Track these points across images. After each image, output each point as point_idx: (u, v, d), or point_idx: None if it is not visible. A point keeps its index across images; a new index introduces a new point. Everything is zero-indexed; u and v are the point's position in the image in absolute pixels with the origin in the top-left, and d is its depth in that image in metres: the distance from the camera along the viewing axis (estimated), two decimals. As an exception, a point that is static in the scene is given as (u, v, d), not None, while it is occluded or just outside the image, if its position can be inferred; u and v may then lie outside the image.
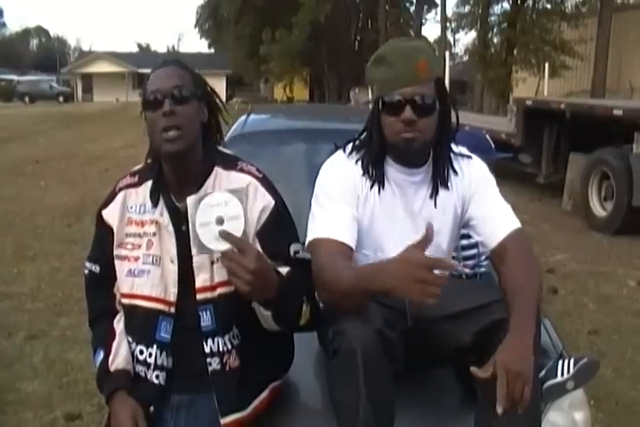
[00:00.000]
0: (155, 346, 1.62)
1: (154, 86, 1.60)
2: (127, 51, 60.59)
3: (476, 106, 25.86)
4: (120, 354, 1.69)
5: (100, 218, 1.73)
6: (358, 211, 1.79)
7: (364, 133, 1.86)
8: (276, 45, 31.67)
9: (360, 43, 38.00)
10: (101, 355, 1.71)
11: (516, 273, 1.67)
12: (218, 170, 1.65)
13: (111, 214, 1.70)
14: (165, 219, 1.63)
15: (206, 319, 1.60)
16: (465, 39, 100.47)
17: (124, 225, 1.67)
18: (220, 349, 1.61)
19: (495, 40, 23.91)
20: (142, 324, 1.64)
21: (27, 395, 3.28)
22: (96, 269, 1.74)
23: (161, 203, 1.64)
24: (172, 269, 1.62)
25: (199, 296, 1.60)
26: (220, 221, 1.39)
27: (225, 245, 1.38)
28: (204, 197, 1.42)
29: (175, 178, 1.64)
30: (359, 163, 1.82)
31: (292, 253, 1.65)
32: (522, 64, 21.28)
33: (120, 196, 1.70)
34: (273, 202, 1.63)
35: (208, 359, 1.60)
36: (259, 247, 1.55)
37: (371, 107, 1.83)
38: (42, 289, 4.96)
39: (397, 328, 1.59)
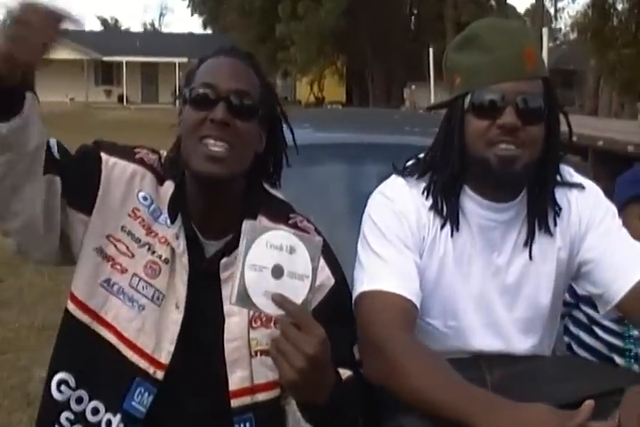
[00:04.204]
0: (119, 415, 1.63)
1: (208, 78, 1.65)
2: (86, 29, 61.53)
3: (587, 105, 25.81)
4: None
5: (95, 154, 1.70)
6: (422, 259, 1.81)
7: (434, 149, 1.86)
8: (298, 24, 32.22)
9: (417, 19, 38.49)
10: None
11: None
12: (262, 220, 1.69)
13: (113, 173, 1.68)
14: (181, 245, 1.66)
15: None
16: (571, 8, 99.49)
17: (124, 212, 1.68)
18: None
19: (620, 6, 23.36)
20: (108, 373, 1.64)
21: None
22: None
23: (179, 222, 1.67)
24: (175, 319, 1.64)
25: (235, 403, 1.63)
26: (279, 272, 1.40)
27: (278, 309, 1.39)
28: (265, 229, 1.43)
29: (202, 208, 1.69)
30: (425, 193, 1.83)
31: (357, 355, 1.68)
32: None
33: (132, 168, 1.70)
34: (333, 280, 1.68)
35: None
36: None
37: (443, 108, 1.85)
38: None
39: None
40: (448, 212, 1.81)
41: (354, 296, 1.74)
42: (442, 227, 1.81)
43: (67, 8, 1.44)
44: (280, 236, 1.41)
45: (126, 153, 1.73)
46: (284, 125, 1.81)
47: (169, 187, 1.69)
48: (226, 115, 1.60)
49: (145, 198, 1.69)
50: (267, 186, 1.77)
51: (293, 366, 1.36)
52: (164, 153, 1.77)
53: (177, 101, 1.81)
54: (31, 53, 1.41)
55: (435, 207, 1.82)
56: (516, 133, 1.71)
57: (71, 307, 1.67)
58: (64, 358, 1.69)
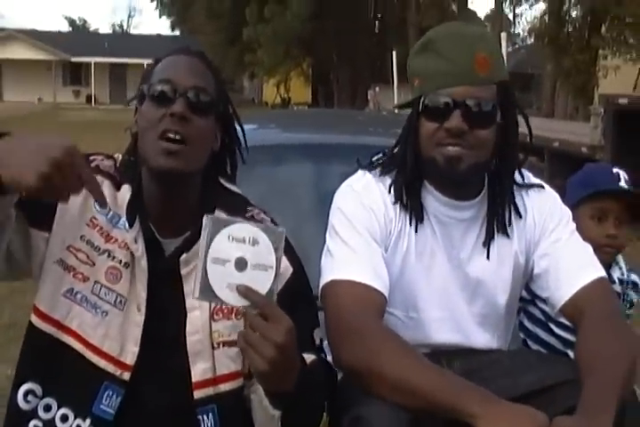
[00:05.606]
0: (88, 420, 1.62)
1: (167, 75, 1.66)
2: (54, 29, 60.20)
3: (545, 108, 25.98)
4: None
5: None
6: (387, 253, 1.82)
7: (397, 148, 1.90)
8: (265, 27, 32.12)
9: (382, 23, 38.56)
10: None
11: (591, 342, 1.68)
12: (220, 214, 1.68)
13: None
14: (140, 248, 1.65)
15: (209, 425, 1.63)
16: (529, 14, 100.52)
17: (83, 222, 1.67)
18: None
19: (574, 13, 23.54)
20: (76, 380, 1.64)
21: None
22: None
23: (137, 226, 1.66)
24: (137, 321, 1.64)
25: (198, 394, 1.63)
26: (242, 264, 1.39)
27: (242, 301, 1.39)
28: (227, 222, 1.42)
29: (160, 207, 1.69)
30: (392, 188, 1.85)
31: (316, 340, 1.68)
32: (614, 46, 20.12)
33: None
34: (291, 269, 1.68)
35: None
36: None
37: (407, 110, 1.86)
38: None
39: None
40: (411, 207, 1.84)
41: (322, 283, 1.76)
42: (410, 222, 1.84)
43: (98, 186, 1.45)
44: (242, 228, 1.41)
45: None
46: (237, 126, 1.80)
47: (126, 191, 1.69)
48: (185, 109, 1.60)
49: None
50: (223, 181, 1.78)
51: (264, 356, 1.37)
52: (119, 157, 1.76)
53: (130, 102, 1.77)
54: (53, 193, 1.38)
55: (400, 202, 1.84)
56: (463, 136, 1.74)
57: (34, 319, 1.66)
58: (30, 369, 1.67)
